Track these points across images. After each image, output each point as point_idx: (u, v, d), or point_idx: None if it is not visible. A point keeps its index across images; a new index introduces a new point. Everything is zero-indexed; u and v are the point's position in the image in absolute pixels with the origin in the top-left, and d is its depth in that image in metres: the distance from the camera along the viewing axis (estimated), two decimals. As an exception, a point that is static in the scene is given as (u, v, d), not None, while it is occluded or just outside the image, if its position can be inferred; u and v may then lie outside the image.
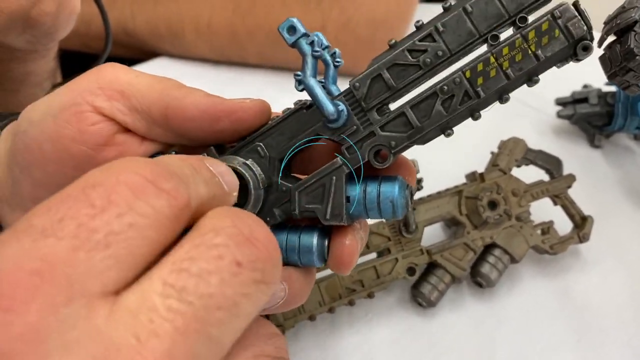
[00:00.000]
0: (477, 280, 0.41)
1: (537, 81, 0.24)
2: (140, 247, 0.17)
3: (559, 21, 0.23)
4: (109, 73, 0.27)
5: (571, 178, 0.43)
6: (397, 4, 0.59)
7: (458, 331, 0.40)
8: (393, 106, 0.26)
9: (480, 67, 0.24)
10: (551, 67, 0.24)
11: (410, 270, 0.40)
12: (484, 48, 0.24)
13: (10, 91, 0.48)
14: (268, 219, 0.27)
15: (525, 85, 0.24)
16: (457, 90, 0.25)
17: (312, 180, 0.26)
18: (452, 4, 0.24)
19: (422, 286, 0.40)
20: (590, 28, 0.23)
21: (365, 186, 0.25)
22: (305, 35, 0.24)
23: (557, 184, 0.43)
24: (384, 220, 0.40)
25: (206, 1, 0.63)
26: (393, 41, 0.25)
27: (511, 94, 0.25)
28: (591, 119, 0.54)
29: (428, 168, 0.44)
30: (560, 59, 0.24)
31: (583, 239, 0.43)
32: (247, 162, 0.27)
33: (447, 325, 0.40)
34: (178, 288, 0.17)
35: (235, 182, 0.24)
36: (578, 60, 0.23)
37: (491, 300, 0.42)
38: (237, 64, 0.65)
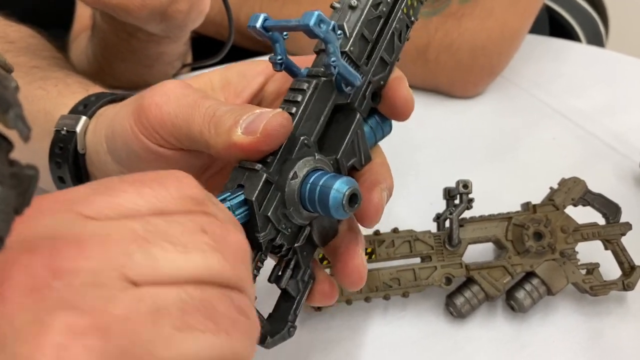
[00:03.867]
0: (511, 303, 0.44)
1: None
2: None
3: None
4: None
5: (626, 226, 0.44)
6: (501, 32, 0.61)
7: (480, 346, 0.43)
8: None
9: (409, 2, 0.33)
10: None
11: (447, 280, 0.43)
12: None
13: (146, 66, 0.57)
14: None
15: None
16: (401, 24, 0.33)
17: (345, 143, 0.31)
18: None
19: (456, 297, 0.44)
20: None
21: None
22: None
23: (611, 230, 0.44)
24: (430, 230, 0.44)
25: (323, 9, 0.69)
26: (351, 2, 0.31)
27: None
28: (676, 173, 0.53)
29: (485, 192, 0.47)
30: None
31: (627, 287, 0.43)
32: (316, 159, 0.29)
33: (471, 338, 0.43)
34: None
35: None
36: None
37: (521, 325, 0.44)
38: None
